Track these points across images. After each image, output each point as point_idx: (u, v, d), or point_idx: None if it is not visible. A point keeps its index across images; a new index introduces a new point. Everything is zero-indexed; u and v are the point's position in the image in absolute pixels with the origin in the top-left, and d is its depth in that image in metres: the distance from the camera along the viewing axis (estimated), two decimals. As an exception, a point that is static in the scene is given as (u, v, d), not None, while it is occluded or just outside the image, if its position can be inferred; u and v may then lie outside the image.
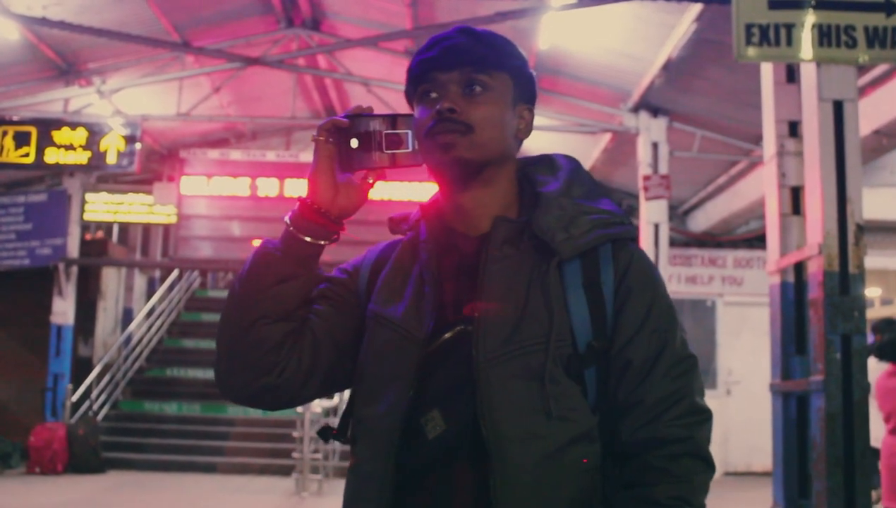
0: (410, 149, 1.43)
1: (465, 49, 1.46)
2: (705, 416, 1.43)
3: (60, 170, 13.48)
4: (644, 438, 1.40)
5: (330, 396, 1.65)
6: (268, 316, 1.45)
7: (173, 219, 14.26)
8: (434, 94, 1.47)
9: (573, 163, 1.58)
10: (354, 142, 1.42)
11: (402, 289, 1.50)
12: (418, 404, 1.41)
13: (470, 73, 1.46)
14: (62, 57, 12.08)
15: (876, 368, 5.89)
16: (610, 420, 1.43)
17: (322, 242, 1.47)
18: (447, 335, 1.43)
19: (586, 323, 1.42)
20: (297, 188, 13.75)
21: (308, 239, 1.45)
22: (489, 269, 1.44)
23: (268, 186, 13.88)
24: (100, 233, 16.19)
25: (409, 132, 1.43)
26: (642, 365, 1.42)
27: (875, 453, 6.11)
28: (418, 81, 1.50)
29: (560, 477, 1.36)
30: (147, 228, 17.08)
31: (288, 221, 1.47)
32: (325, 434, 1.58)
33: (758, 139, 10.63)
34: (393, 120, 1.43)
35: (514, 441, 1.35)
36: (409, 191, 12.92)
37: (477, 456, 1.36)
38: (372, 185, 1.47)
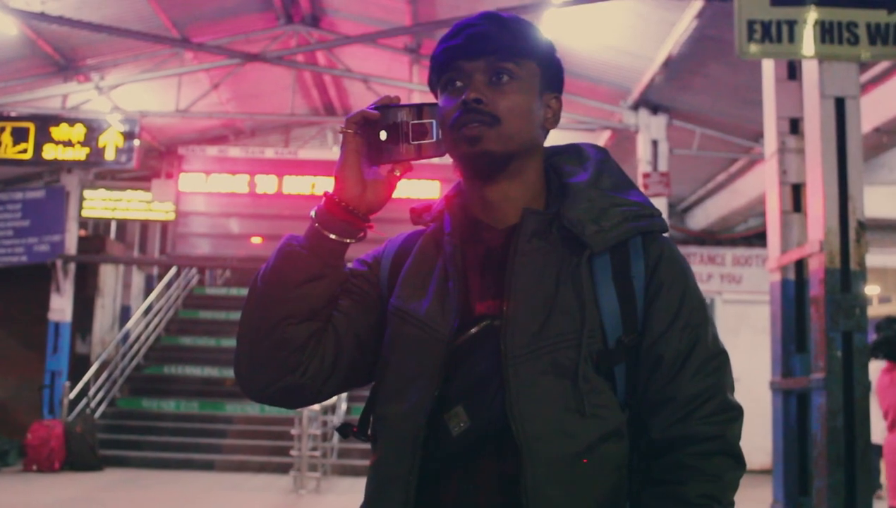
0: (435, 140, 1.39)
1: (490, 36, 1.41)
2: (736, 413, 1.41)
3: (58, 167, 13.46)
4: (675, 435, 1.37)
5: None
6: (293, 316, 1.41)
7: (171, 216, 14.23)
8: (459, 83, 1.42)
9: (602, 154, 1.53)
10: (383, 135, 1.38)
11: (426, 284, 1.46)
12: (441, 400, 1.37)
13: (496, 61, 1.41)
14: (60, 53, 12.05)
15: (878, 366, 5.88)
16: (638, 415, 1.40)
17: (348, 240, 1.43)
18: (473, 330, 1.39)
19: (616, 317, 1.38)
20: (296, 185, 13.74)
21: (334, 236, 1.41)
22: (518, 262, 1.40)
23: (266, 183, 13.85)
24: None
25: (434, 122, 1.40)
26: (674, 361, 1.39)
27: (877, 450, 6.11)
28: (442, 70, 1.45)
29: (590, 475, 1.34)
30: (145, 225, 17.05)
31: (314, 217, 1.42)
32: (345, 431, 1.54)
33: (757, 136, 10.64)
34: (419, 110, 1.40)
35: (544, 439, 1.32)
36: (409, 188, 12.94)
37: (502, 453, 1.34)
38: (399, 178, 1.43)
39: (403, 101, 1.42)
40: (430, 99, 1.51)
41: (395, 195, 1.46)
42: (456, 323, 1.40)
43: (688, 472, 1.35)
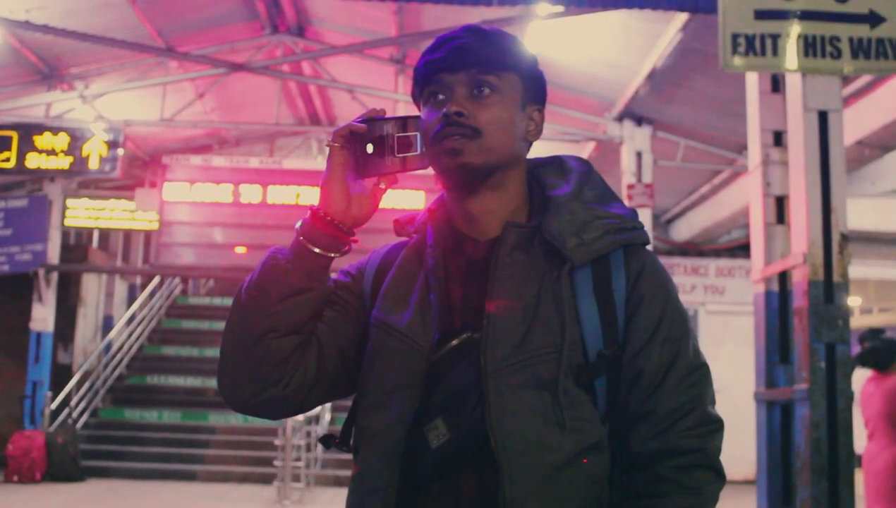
0: (419, 152, 1.40)
1: (472, 49, 1.42)
2: (717, 426, 1.41)
3: (41, 175, 13.36)
4: (656, 449, 1.37)
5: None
6: (277, 329, 1.41)
7: (155, 226, 14.15)
8: (441, 96, 1.43)
9: (584, 166, 1.54)
10: (370, 148, 1.39)
11: (408, 296, 1.46)
12: (422, 412, 1.38)
13: (477, 74, 1.42)
14: (45, 61, 11.99)
15: (861, 377, 5.92)
16: (619, 428, 1.40)
17: (333, 254, 1.42)
18: (453, 342, 1.39)
19: (597, 331, 1.38)
20: (281, 195, 13.71)
21: (319, 250, 1.41)
22: (499, 275, 1.40)
23: (251, 193, 13.81)
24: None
25: (418, 134, 1.40)
26: (654, 375, 1.39)
27: (859, 460, 6.14)
28: (425, 83, 1.46)
29: (570, 488, 1.34)
30: (128, 234, 16.96)
31: (299, 230, 1.42)
32: (328, 442, 1.54)
33: (741, 148, 10.72)
34: (404, 122, 1.40)
35: (524, 453, 1.32)
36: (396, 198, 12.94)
37: (482, 466, 1.33)
38: (384, 191, 1.43)
39: (389, 112, 1.42)
40: (415, 110, 1.52)
41: (379, 205, 1.46)
42: (437, 335, 1.40)
43: (667, 485, 1.36)
